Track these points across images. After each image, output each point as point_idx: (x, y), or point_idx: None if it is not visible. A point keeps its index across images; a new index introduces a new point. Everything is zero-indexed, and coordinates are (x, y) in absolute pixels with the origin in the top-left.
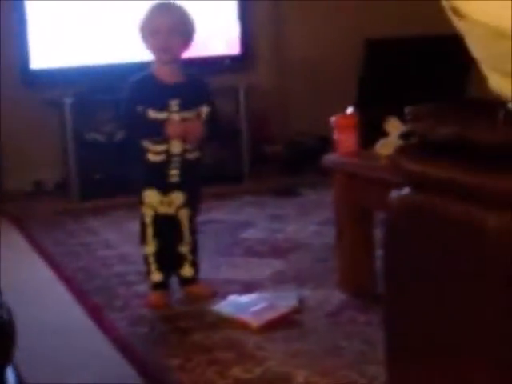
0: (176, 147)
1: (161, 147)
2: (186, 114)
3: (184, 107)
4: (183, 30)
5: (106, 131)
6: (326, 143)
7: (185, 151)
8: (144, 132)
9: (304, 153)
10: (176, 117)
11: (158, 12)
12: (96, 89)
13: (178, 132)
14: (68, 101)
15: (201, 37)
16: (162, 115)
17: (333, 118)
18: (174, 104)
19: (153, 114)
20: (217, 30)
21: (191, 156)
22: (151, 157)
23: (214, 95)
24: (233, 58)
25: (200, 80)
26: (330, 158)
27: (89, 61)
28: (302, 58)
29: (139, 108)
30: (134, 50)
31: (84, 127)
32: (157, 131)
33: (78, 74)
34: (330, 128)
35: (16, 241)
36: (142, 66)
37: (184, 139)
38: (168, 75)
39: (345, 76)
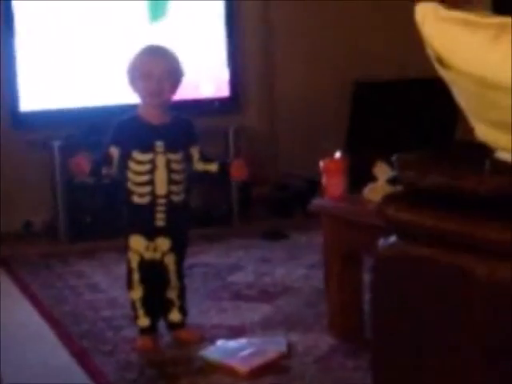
0: (161, 189)
1: (145, 189)
2: (172, 156)
3: (169, 148)
4: (174, 74)
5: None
6: (314, 186)
7: (170, 193)
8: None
9: (292, 195)
10: (162, 158)
11: (150, 56)
12: (85, 131)
13: None
14: (57, 143)
15: (190, 79)
16: (147, 157)
17: (321, 163)
18: (159, 145)
19: (138, 155)
20: (206, 73)
21: (177, 198)
22: (136, 199)
23: (204, 137)
24: (222, 101)
25: (186, 121)
26: (317, 203)
27: (78, 103)
28: (291, 101)
29: (116, 149)
30: (123, 93)
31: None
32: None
33: (67, 116)
34: (318, 171)
35: (3, 283)
36: (131, 108)
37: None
38: (154, 116)
39: (334, 119)
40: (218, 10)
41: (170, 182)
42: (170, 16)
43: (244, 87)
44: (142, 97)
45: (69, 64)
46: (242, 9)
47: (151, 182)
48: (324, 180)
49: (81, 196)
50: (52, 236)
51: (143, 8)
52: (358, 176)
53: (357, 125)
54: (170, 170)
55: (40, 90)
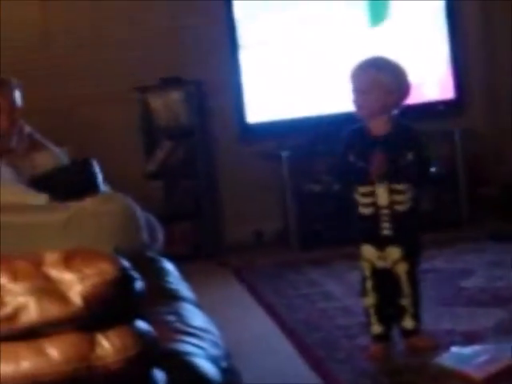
0: (383, 199)
1: (368, 199)
2: (392, 166)
3: (389, 159)
4: (387, 86)
5: (323, 182)
6: None
7: (393, 203)
8: (349, 178)
9: None
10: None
11: (357, 69)
12: (312, 140)
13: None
14: (285, 153)
15: (413, 83)
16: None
17: None
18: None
19: (361, 165)
20: (429, 76)
21: (401, 208)
22: (361, 209)
23: (429, 140)
24: (447, 103)
25: (409, 130)
26: None
27: (303, 113)
28: None
29: (351, 157)
30: (348, 100)
31: (301, 178)
32: (361, 177)
33: (293, 126)
34: None
35: (237, 292)
36: (356, 117)
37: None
38: (377, 127)
39: None
40: (439, 10)
41: (392, 191)
42: (390, 19)
43: (468, 88)
44: (356, 108)
45: (292, 74)
46: (462, 8)
47: (373, 193)
48: None
49: (311, 204)
50: (283, 245)
51: (363, 13)
52: None
53: None
54: (391, 180)
55: (266, 102)
